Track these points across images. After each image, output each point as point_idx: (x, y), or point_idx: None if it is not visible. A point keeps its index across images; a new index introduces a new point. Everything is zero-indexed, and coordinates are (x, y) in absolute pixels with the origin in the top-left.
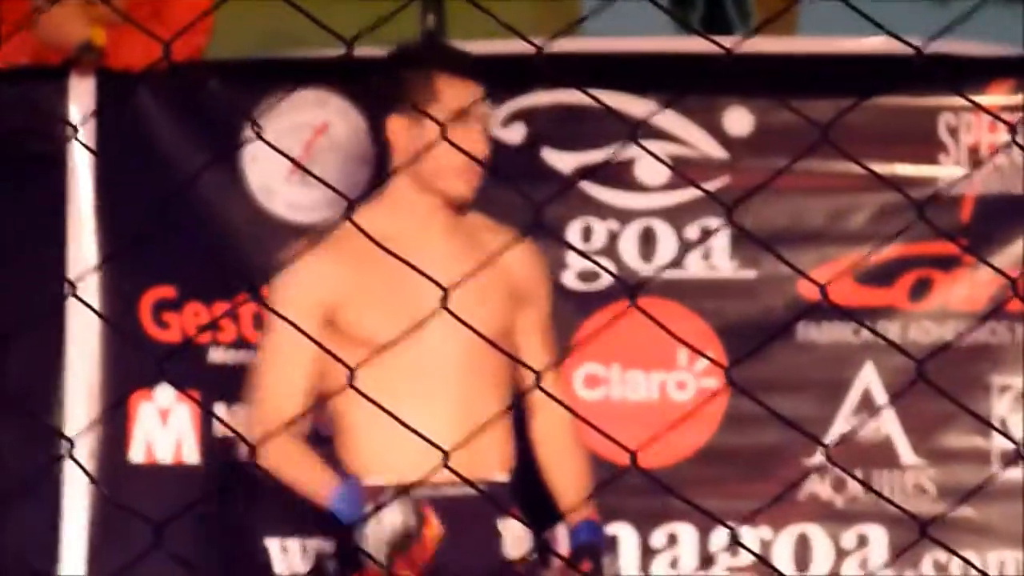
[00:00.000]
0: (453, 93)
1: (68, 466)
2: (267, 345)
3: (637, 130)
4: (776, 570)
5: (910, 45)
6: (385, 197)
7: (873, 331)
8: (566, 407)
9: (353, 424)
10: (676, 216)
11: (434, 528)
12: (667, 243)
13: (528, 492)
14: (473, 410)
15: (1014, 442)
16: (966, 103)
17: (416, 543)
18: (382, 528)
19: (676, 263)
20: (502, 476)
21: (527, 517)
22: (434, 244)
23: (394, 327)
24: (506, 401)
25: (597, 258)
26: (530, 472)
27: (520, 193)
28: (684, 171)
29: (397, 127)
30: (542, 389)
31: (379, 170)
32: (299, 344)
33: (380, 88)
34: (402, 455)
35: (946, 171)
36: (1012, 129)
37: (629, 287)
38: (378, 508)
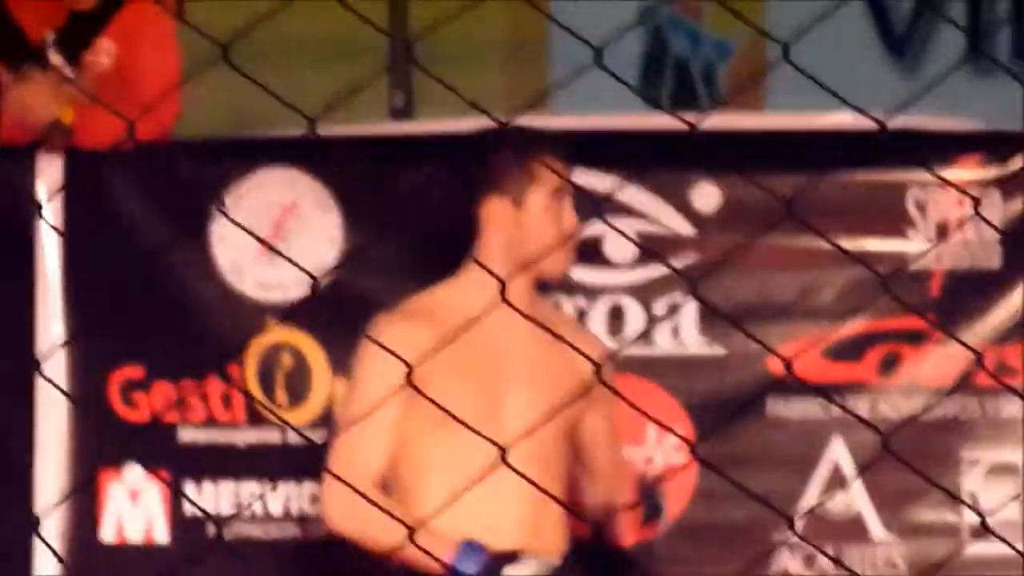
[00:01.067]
0: (549, 174)
1: (38, 545)
2: (351, 406)
3: (600, 206)
4: None
5: (874, 120)
6: (469, 273)
7: (839, 405)
8: (529, 480)
9: (423, 495)
10: (645, 293)
11: None
12: (635, 319)
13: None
14: (537, 496)
15: (980, 515)
16: (934, 178)
17: None
18: None
19: (641, 338)
20: (556, 560)
21: None
22: (516, 325)
23: (473, 404)
24: (565, 491)
25: None
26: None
27: (486, 269)
28: (652, 247)
29: (496, 209)
30: (702, 461)
31: (442, 243)
32: (380, 415)
33: (474, 169)
34: (470, 529)
35: (915, 246)
36: (976, 203)
37: (594, 364)
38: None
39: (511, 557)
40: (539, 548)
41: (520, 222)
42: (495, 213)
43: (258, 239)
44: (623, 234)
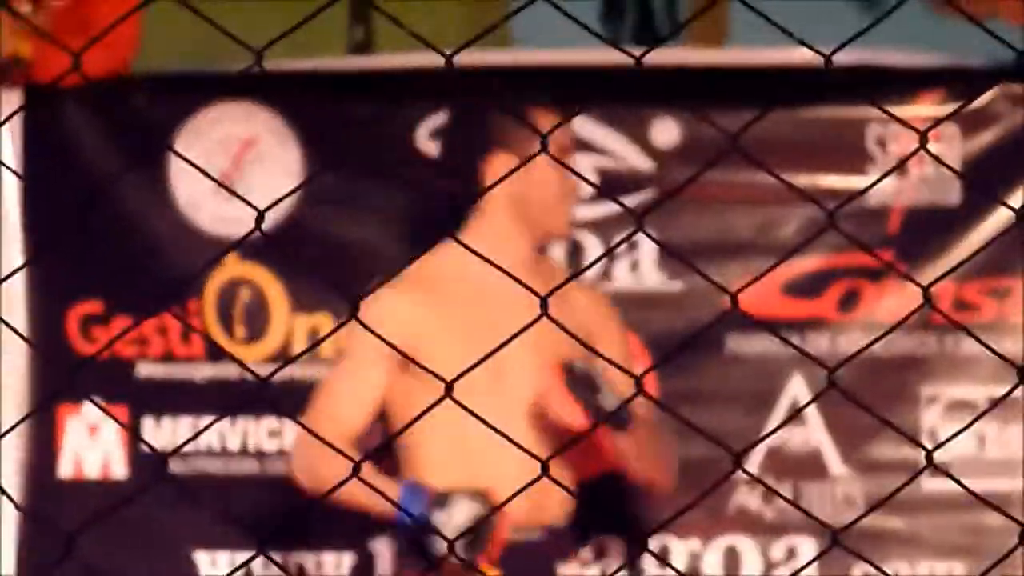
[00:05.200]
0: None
1: None
2: (336, 371)
3: (546, 140)
4: None
5: (820, 53)
6: (470, 233)
7: (787, 342)
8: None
9: (424, 456)
10: (604, 228)
11: (507, 517)
12: (595, 255)
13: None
14: (542, 455)
15: (926, 450)
16: (895, 114)
17: (490, 535)
18: (454, 524)
19: (581, 273)
20: (562, 521)
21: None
22: (515, 286)
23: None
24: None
25: None
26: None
27: (439, 204)
28: (611, 183)
29: (500, 166)
30: (647, 395)
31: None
32: (368, 378)
33: (471, 127)
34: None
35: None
36: (923, 138)
37: (542, 299)
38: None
39: (442, 500)
40: (543, 511)
41: (524, 177)
42: (499, 170)
43: (209, 176)
44: (575, 172)
